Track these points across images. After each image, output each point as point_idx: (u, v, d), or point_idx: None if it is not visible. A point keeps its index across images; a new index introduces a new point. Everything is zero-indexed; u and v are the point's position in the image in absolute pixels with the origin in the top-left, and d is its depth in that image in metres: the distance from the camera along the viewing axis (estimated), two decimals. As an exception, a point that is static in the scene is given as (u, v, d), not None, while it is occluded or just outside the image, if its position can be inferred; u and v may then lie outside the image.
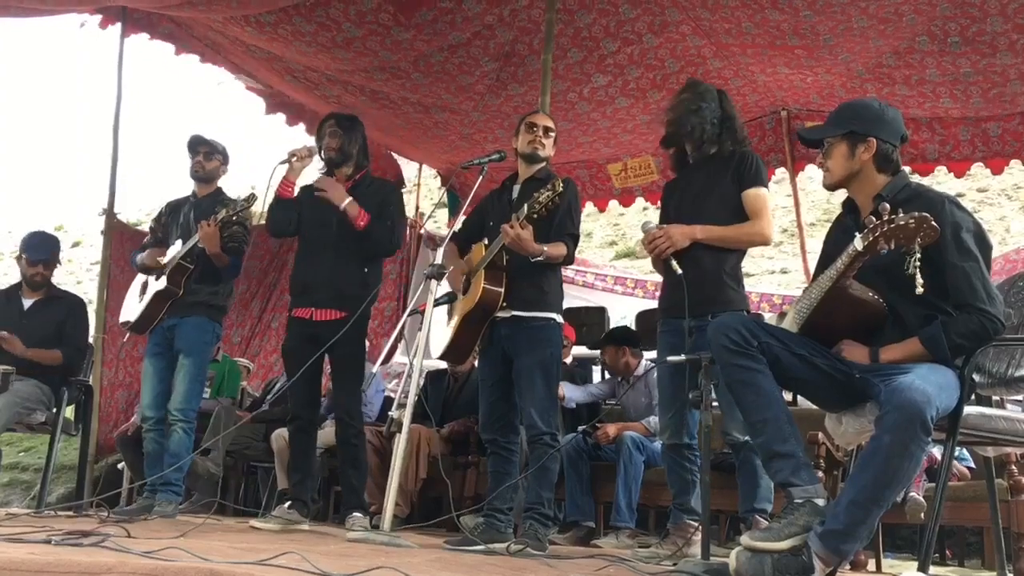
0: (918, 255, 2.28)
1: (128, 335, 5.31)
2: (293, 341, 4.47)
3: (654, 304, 7.61)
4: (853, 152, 2.72)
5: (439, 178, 8.50)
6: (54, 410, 4.88)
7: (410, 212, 8.34)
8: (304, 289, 4.47)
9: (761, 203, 3.61)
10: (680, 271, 3.49)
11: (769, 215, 3.65)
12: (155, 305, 4.78)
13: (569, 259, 3.94)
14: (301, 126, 7.30)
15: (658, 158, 7.28)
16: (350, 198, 4.35)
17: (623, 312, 7.62)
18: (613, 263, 13.60)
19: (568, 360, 6.09)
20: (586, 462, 5.07)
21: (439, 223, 10.95)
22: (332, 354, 4.33)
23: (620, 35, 5.85)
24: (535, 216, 3.70)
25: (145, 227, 7.00)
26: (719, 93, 3.79)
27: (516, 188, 4.05)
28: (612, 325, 7.11)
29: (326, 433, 5.38)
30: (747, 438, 3.30)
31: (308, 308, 4.42)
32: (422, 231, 8.30)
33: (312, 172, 4.63)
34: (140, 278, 5.02)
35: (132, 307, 4.96)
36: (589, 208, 7.93)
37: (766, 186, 3.67)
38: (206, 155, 4.95)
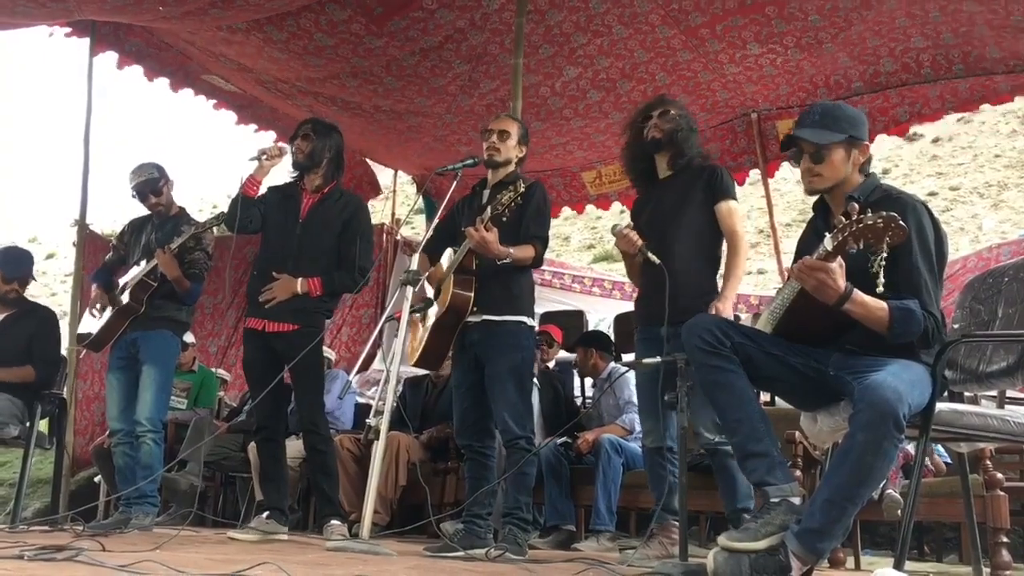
0: (885, 254, 2.29)
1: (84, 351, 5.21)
2: (250, 354, 4.42)
3: (631, 305, 7.70)
4: (849, 157, 2.74)
5: (415, 184, 8.50)
6: (27, 424, 4.82)
7: (386, 218, 8.35)
8: (260, 299, 4.37)
9: (736, 217, 3.72)
10: (658, 261, 3.57)
11: (742, 225, 3.79)
12: (116, 321, 4.74)
13: (537, 262, 3.95)
14: (272, 133, 7.29)
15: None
16: (300, 280, 4.28)
17: (602, 314, 7.65)
18: (591, 266, 13.64)
19: (551, 364, 6.10)
20: (565, 466, 5.09)
21: (417, 229, 10.94)
22: (290, 366, 4.25)
23: (590, 28, 5.88)
24: (502, 219, 3.70)
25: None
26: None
27: (486, 193, 4.05)
28: (591, 327, 7.16)
29: (299, 444, 5.35)
30: (718, 439, 3.34)
31: (261, 320, 4.34)
32: (399, 237, 8.30)
33: (280, 173, 4.58)
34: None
35: (91, 321, 4.91)
36: (567, 211, 7.96)
37: (736, 198, 3.77)
38: (155, 193, 4.89)
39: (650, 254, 3.61)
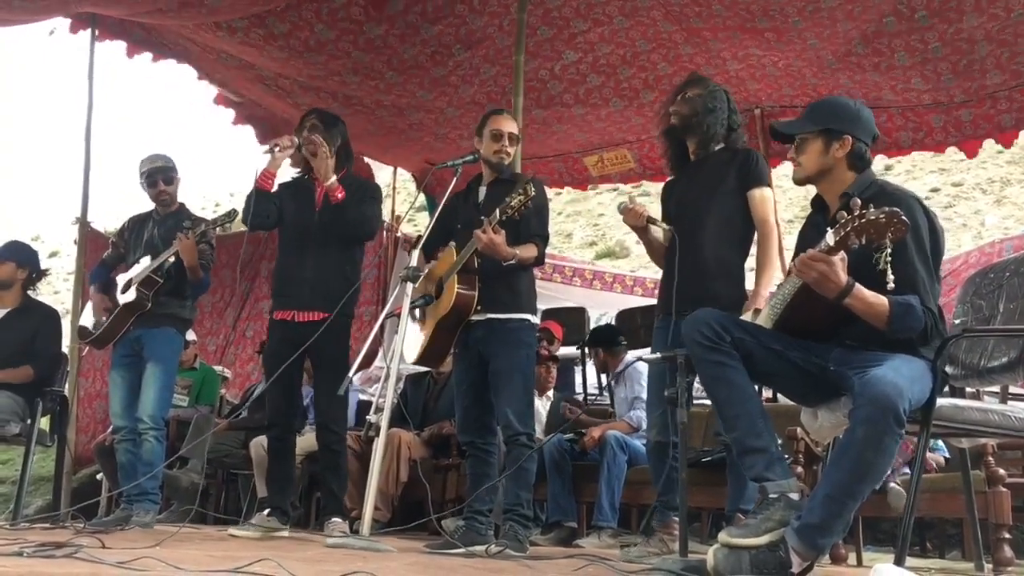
0: (888, 250, 2.28)
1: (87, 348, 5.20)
2: (275, 345, 4.37)
3: (633, 299, 7.69)
4: (828, 149, 2.72)
5: (414, 181, 8.49)
6: (28, 421, 4.81)
7: (387, 216, 8.33)
8: (286, 291, 4.38)
9: (769, 205, 3.64)
10: (667, 227, 3.55)
11: (774, 214, 3.68)
12: (122, 317, 4.73)
13: (539, 260, 3.94)
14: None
15: (634, 150, 7.30)
16: (335, 178, 4.30)
17: (603, 309, 7.64)
18: (593, 262, 13.63)
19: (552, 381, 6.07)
20: (568, 462, 5.08)
21: (418, 225, 10.91)
22: (315, 357, 4.26)
23: (591, 16, 5.84)
24: (507, 220, 3.68)
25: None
26: (725, 92, 3.77)
27: (482, 190, 4.03)
28: (592, 322, 7.17)
29: (306, 439, 5.34)
30: None
31: (290, 310, 4.33)
32: (399, 234, 8.29)
33: (287, 171, 4.57)
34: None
35: (91, 315, 4.91)
36: (568, 210, 7.95)
37: (770, 185, 3.70)
38: (165, 181, 4.90)
39: (658, 222, 3.57)
